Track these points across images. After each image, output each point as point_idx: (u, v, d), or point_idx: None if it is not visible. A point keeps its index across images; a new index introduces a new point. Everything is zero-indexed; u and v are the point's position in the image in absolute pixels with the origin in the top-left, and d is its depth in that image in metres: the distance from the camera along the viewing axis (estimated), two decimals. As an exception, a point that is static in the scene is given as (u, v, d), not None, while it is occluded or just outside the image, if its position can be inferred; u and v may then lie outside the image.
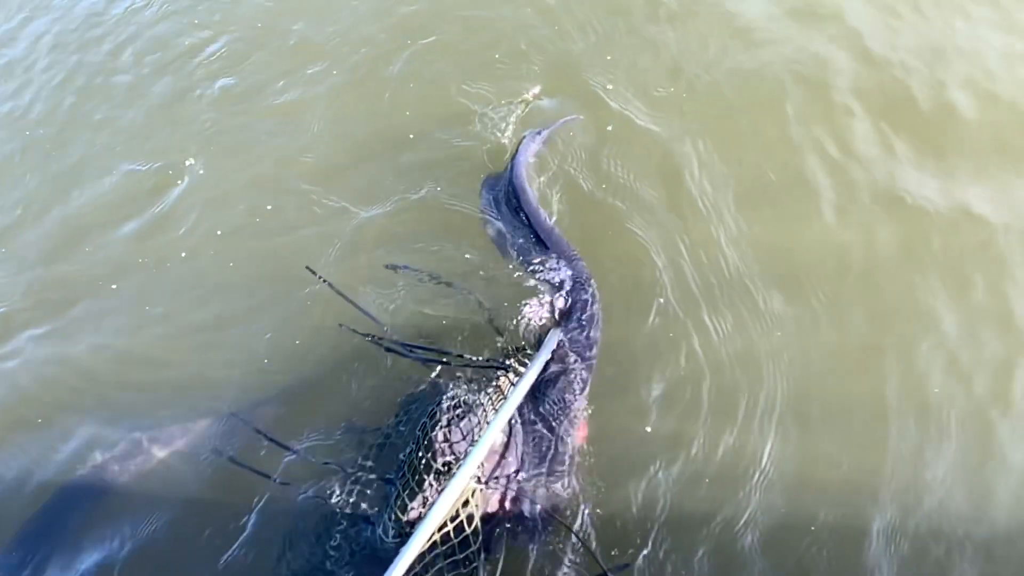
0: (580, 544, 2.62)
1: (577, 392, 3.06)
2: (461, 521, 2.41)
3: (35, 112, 5.12)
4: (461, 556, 2.40)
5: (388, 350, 3.10)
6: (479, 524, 2.47)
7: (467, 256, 3.74)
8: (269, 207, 4.22)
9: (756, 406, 3.22)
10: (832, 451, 3.12)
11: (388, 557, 2.32)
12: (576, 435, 3.00)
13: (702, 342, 3.40)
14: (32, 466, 3.39)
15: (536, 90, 4.43)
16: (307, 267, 3.30)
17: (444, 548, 2.37)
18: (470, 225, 3.89)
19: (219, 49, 5.19)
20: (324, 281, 3.27)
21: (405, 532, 2.37)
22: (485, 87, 4.58)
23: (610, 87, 4.48)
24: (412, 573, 2.24)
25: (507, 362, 2.95)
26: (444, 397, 2.71)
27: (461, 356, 3.04)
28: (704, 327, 3.45)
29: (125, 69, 5.25)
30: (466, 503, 2.44)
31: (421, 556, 2.28)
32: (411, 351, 3.07)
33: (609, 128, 4.28)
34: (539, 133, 4.14)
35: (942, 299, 3.51)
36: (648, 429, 3.16)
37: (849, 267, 3.63)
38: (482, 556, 2.46)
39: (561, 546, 2.75)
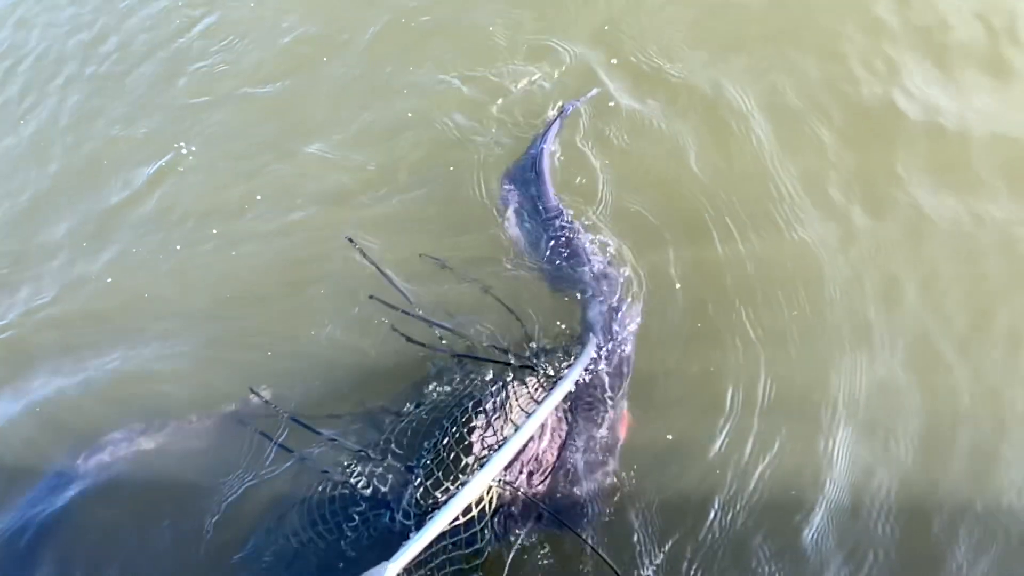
0: (595, 552, 2.60)
1: (617, 385, 3.00)
2: (473, 516, 2.41)
3: (26, 102, 5.07)
4: (468, 550, 2.41)
5: (453, 357, 3.06)
6: (489, 520, 2.50)
7: (491, 246, 3.64)
8: (265, 195, 4.14)
9: (811, 393, 3.09)
10: (890, 433, 2.98)
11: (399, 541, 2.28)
12: (618, 428, 2.95)
13: (755, 330, 3.26)
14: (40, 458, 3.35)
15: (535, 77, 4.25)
16: (347, 237, 3.27)
17: (452, 540, 2.38)
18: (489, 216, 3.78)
19: (210, 31, 5.11)
20: (362, 254, 3.22)
21: (423, 518, 2.37)
22: (486, 63, 4.45)
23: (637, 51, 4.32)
24: (418, 559, 2.23)
25: (537, 362, 2.93)
26: (482, 391, 2.71)
27: (494, 348, 3.02)
28: (757, 308, 3.30)
29: (116, 56, 5.18)
30: (479, 500, 2.44)
31: (429, 545, 2.26)
32: (443, 345, 3.05)
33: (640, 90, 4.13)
34: (562, 115, 4.00)
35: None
36: (696, 422, 3.05)
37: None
38: (488, 552, 2.48)
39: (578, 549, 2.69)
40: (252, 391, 3.00)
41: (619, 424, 2.95)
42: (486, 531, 2.44)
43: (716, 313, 3.29)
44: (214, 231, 4.03)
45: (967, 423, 2.95)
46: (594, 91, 4.10)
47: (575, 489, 2.74)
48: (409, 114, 4.26)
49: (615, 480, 2.86)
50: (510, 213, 3.69)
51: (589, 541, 2.63)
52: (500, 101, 4.20)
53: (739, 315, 3.26)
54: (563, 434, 2.84)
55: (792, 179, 3.63)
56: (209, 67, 4.85)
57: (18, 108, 5.03)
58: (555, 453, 2.78)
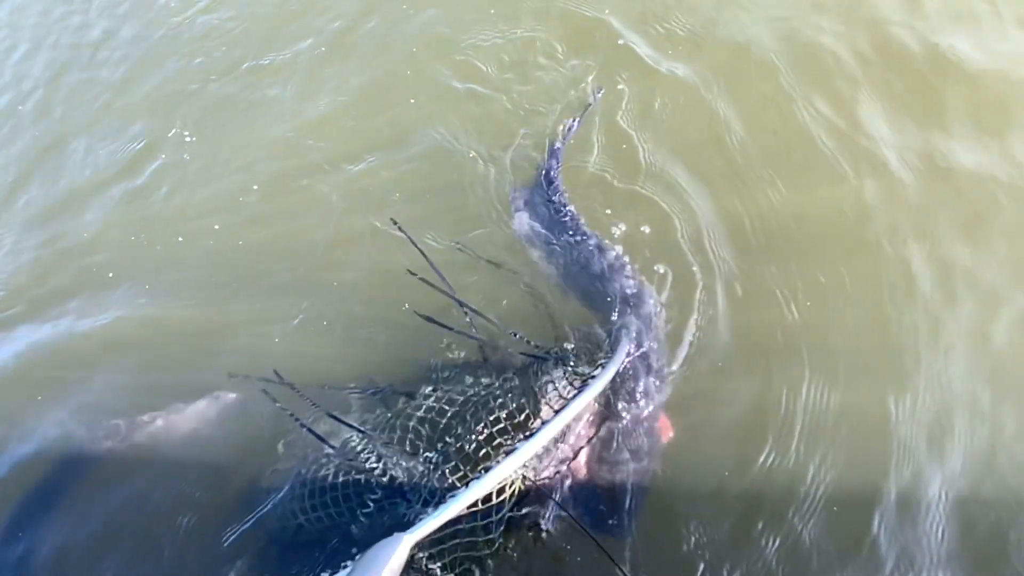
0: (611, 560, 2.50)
1: (653, 385, 2.91)
2: (492, 507, 2.39)
3: (20, 87, 5.03)
4: (482, 538, 2.40)
5: (482, 346, 2.98)
6: (508, 513, 2.47)
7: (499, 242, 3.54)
8: (266, 180, 4.06)
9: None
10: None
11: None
12: (657, 431, 2.85)
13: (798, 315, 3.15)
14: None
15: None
16: (392, 219, 3.23)
17: (469, 525, 2.35)
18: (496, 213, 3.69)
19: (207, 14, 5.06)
20: (409, 239, 3.12)
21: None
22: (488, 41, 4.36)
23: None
24: (432, 537, 2.20)
25: (568, 358, 2.86)
26: (511, 389, 2.68)
27: (529, 342, 2.91)
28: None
29: (110, 42, 5.12)
30: (501, 491, 2.41)
31: (444, 527, 2.23)
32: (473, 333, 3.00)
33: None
34: (571, 129, 3.86)
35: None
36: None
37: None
38: (500, 542, 2.47)
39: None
40: (276, 374, 2.91)
41: (658, 427, 2.85)
42: (502, 523, 2.42)
43: (758, 301, 3.19)
44: (216, 220, 3.94)
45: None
46: (600, 92, 3.97)
47: (612, 494, 2.68)
48: (412, 100, 4.18)
49: (655, 485, 2.76)
50: (521, 220, 3.58)
51: (615, 549, 2.55)
52: (510, 75, 4.13)
53: (783, 305, 3.16)
54: (597, 436, 2.78)
55: (831, 139, 3.58)
56: (205, 50, 4.80)
57: (16, 94, 4.98)
58: (589, 454, 2.73)
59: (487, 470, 2.25)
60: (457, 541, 2.32)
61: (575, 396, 2.55)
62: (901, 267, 3.20)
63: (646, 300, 3.15)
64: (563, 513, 2.57)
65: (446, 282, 2.97)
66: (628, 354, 2.88)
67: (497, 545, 2.45)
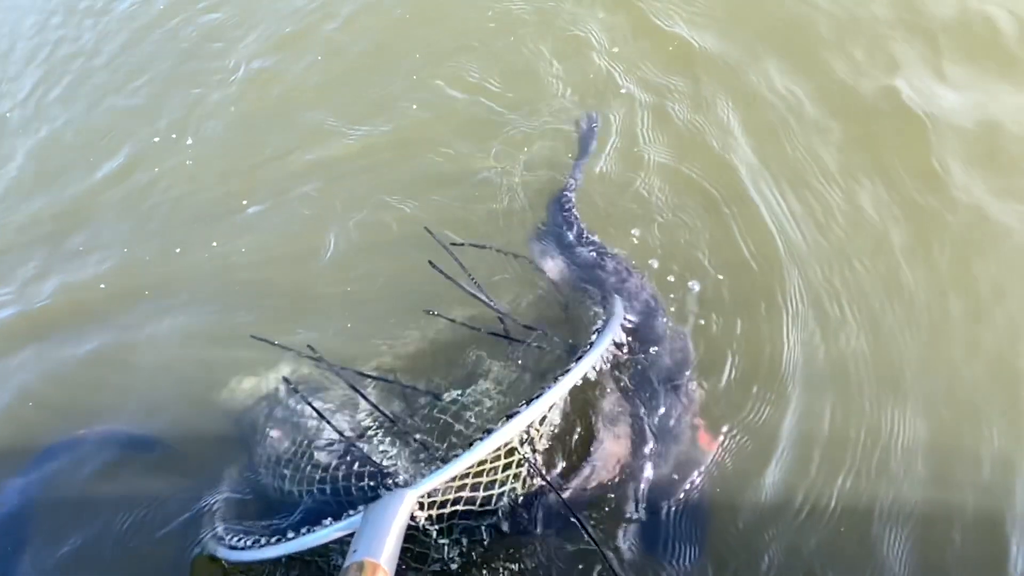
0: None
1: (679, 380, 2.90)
2: (494, 480, 2.39)
3: (19, 91, 5.04)
4: (480, 508, 2.40)
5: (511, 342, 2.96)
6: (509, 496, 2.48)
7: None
8: (268, 184, 4.06)
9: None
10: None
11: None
12: (698, 441, 2.80)
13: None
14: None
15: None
16: (425, 227, 3.21)
17: (469, 494, 2.35)
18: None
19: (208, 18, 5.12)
20: (444, 248, 3.11)
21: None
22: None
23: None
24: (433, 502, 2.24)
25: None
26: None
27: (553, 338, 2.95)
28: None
29: (106, 45, 5.17)
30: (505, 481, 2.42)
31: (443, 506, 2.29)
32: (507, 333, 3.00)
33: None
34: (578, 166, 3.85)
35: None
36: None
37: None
38: (498, 527, 2.50)
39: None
40: (311, 349, 2.91)
41: (699, 436, 2.79)
42: (502, 498, 2.43)
43: (809, 314, 3.12)
44: (215, 230, 3.93)
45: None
46: (596, 118, 4.00)
47: (656, 506, 2.65)
48: (414, 106, 4.22)
49: (706, 502, 2.68)
50: (542, 250, 3.55)
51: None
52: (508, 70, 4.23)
53: (839, 318, 3.10)
54: (632, 446, 2.75)
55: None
56: (202, 51, 4.87)
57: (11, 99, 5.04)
58: (618, 464, 2.71)
59: (488, 432, 2.26)
60: (457, 508, 2.33)
61: (577, 360, 2.52)
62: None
63: (655, 306, 3.13)
64: (568, 512, 2.50)
65: (478, 285, 2.99)
66: (627, 321, 2.87)
67: (495, 530, 2.48)
